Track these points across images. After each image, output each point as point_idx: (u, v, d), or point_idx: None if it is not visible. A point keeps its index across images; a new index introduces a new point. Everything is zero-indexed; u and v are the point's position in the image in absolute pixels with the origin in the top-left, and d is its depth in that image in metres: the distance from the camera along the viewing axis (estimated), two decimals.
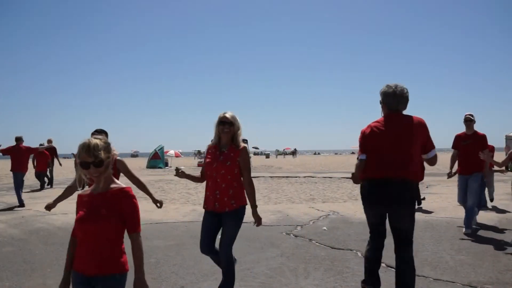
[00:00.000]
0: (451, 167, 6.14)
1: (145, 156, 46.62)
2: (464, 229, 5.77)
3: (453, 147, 6.13)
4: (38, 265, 4.52)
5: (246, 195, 3.33)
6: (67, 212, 7.60)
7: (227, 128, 3.23)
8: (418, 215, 7.33)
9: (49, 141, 11.94)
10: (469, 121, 5.86)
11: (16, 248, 5.31)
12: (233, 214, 3.22)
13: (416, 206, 7.93)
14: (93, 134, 3.71)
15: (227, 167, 3.21)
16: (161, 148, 28.43)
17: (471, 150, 5.68)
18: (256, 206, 3.32)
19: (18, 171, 9.23)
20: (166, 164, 28.79)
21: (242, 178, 3.32)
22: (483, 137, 5.80)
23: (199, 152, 50.84)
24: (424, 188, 10.58)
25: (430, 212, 7.62)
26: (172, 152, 35.05)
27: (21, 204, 9.01)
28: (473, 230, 5.81)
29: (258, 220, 3.34)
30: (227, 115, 3.26)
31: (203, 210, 3.34)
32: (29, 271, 4.31)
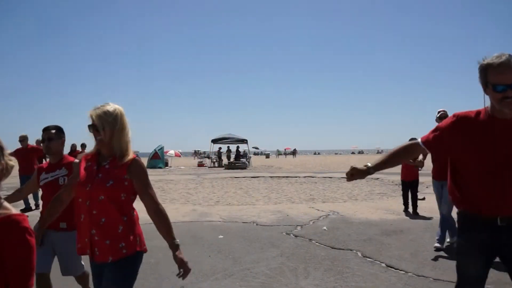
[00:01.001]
0: None
1: (145, 156, 46.54)
2: (435, 243, 4.92)
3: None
4: None
5: (157, 229, 2.11)
6: None
7: (96, 134, 2.06)
8: (418, 215, 7.34)
9: (38, 142, 11.93)
10: (445, 117, 4.55)
11: None
12: (120, 266, 2.00)
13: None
14: (44, 131, 2.92)
15: (108, 190, 2.00)
16: (161, 148, 28.42)
17: None
18: (176, 246, 2.07)
19: (28, 174, 9.19)
20: (166, 164, 28.81)
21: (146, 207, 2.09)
22: None
23: (195, 152, 50.65)
24: (424, 188, 10.58)
25: (430, 216, 7.61)
26: (172, 152, 35.02)
27: (29, 207, 8.93)
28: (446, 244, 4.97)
29: (182, 265, 2.04)
30: (93, 113, 2.02)
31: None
32: None
